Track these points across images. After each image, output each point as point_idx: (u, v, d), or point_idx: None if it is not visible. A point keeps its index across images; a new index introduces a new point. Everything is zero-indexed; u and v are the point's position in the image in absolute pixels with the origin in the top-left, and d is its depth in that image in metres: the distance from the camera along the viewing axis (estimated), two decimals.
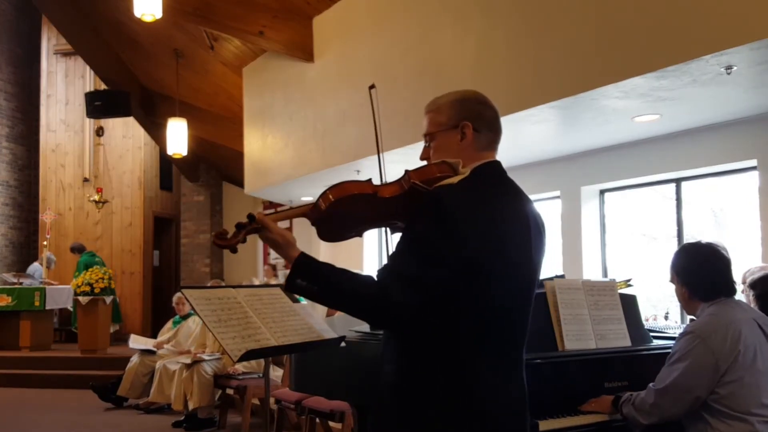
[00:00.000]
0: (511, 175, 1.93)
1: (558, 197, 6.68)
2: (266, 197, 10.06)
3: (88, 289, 9.19)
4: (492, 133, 1.92)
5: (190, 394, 6.27)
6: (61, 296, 10.53)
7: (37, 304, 10.06)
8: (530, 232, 1.85)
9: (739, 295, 2.92)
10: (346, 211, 1.82)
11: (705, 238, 3.80)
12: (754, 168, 5.11)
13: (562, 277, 3.13)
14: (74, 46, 10.02)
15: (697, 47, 3.70)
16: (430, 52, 5.73)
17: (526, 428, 1.88)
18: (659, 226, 6.29)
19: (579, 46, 4.43)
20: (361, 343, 2.95)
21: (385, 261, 1.88)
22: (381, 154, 2.57)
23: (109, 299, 9.55)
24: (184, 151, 9.50)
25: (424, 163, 1.94)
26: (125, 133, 12.59)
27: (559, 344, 2.78)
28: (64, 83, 12.90)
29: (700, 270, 2.63)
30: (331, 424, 5.08)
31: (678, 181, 5.84)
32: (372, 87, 2.55)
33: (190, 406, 6.28)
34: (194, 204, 12.64)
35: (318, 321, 2.95)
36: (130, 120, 11.34)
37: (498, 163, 1.91)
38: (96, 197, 11.94)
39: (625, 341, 2.94)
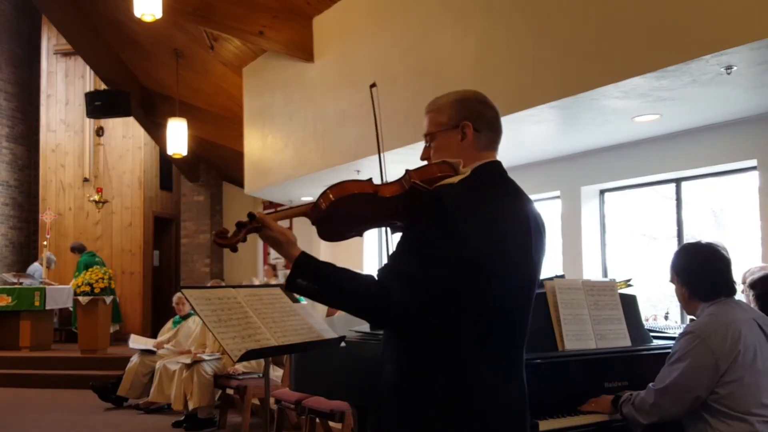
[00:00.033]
0: (511, 175, 1.93)
1: (558, 197, 6.68)
2: (266, 197, 10.06)
3: (88, 289, 9.19)
4: (492, 133, 1.92)
5: (190, 394, 6.27)
6: (61, 296, 10.53)
7: (37, 304, 10.06)
8: (531, 232, 1.85)
9: (739, 295, 2.92)
10: (346, 210, 1.82)
11: (705, 238, 3.80)
12: (754, 168, 5.11)
13: (562, 277, 3.13)
14: (74, 46, 10.02)
15: (697, 47, 3.70)
16: (430, 52, 5.73)
17: (526, 428, 1.88)
18: (659, 226, 6.29)
19: (579, 46, 4.43)
20: (361, 343, 2.95)
21: (385, 261, 1.88)
22: (381, 153, 2.57)
23: (109, 299, 9.55)
24: (184, 151, 9.50)
25: (425, 162, 1.94)
26: (125, 133, 12.59)
27: (559, 344, 2.78)
28: (64, 83, 12.90)
29: (700, 270, 2.63)
30: (331, 424, 5.08)
31: (678, 181, 5.85)
32: (373, 85, 2.55)
33: (190, 406, 6.28)
34: (194, 204, 12.64)
35: (318, 321, 2.95)
36: (130, 120, 11.34)
37: (498, 163, 1.91)
38: (96, 197, 11.94)
39: (625, 341, 2.94)
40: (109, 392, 7.38)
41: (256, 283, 9.46)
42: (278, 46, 7.39)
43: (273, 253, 11.19)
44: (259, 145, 8.57)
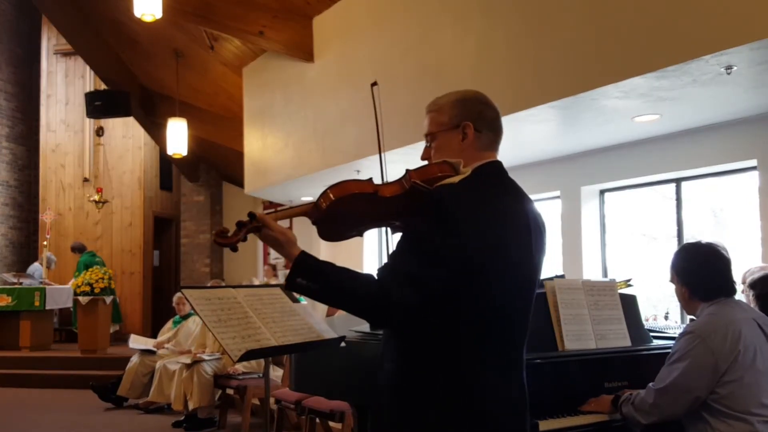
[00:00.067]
0: (511, 175, 1.93)
1: (558, 197, 6.68)
2: (266, 197, 10.07)
3: (88, 289, 9.19)
4: (493, 133, 1.92)
5: (190, 394, 6.27)
6: (61, 296, 10.53)
7: (37, 304, 10.06)
8: (531, 232, 1.85)
9: (739, 295, 2.92)
10: (346, 210, 1.82)
11: (705, 238, 3.80)
12: (754, 168, 5.11)
13: (562, 277, 3.13)
14: (74, 46, 10.02)
15: (697, 47, 3.70)
16: (430, 52, 5.73)
17: (525, 428, 1.88)
18: (659, 226, 6.29)
19: (579, 46, 4.43)
20: (361, 343, 2.95)
21: (385, 260, 1.88)
22: (382, 152, 2.57)
23: (109, 299, 9.55)
24: (184, 151, 9.50)
25: (425, 162, 1.94)
26: (125, 133, 12.59)
27: (559, 344, 2.78)
28: (64, 83, 12.90)
29: (700, 270, 2.63)
30: (331, 424, 5.08)
31: (678, 181, 5.85)
32: (374, 84, 2.55)
33: (190, 406, 6.28)
34: (194, 204, 12.65)
35: (318, 321, 2.95)
36: (130, 120, 11.34)
37: (499, 163, 1.91)
38: (96, 197, 11.94)
39: (625, 341, 2.94)
40: (109, 392, 7.38)
41: (256, 283, 9.46)
42: (278, 46, 7.39)
43: (273, 253, 11.19)
44: (259, 145, 8.58)
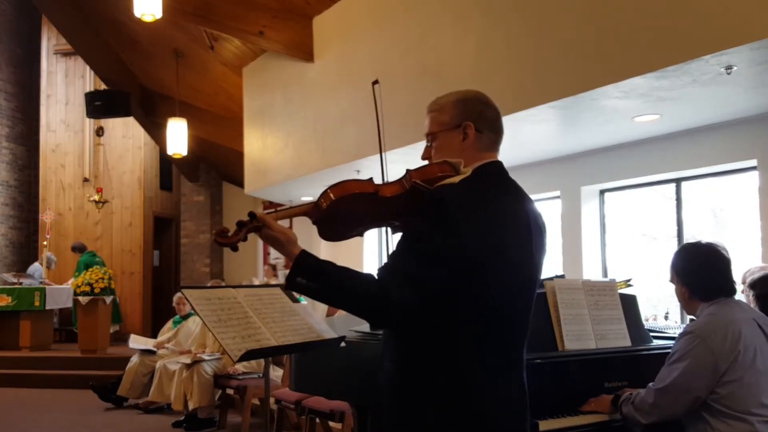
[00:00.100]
0: (511, 175, 1.93)
1: (558, 197, 6.68)
2: (266, 197, 10.07)
3: (88, 289, 9.19)
4: (494, 133, 1.92)
5: (190, 394, 6.27)
6: (61, 296, 10.53)
7: (37, 304, 10.05)
8: (531, 232, 1.85)
9: (739, 295, 2.92)
10: (347, 210, 1.82)
11: (705, 238, 3.80)
12: (754, 168, 5.11)
13: (562, 277, 3.13)
14: (74, 46, 10.02)
15: (697, 47, 3.70)
16: (430, 52, 5.73)
17: (525, 428, 1.88)
18: (659, 226, 6.29)
19: (579, 46, 4.43)
20: (361, 343, 2.95)
21: (385, 260, 1.88)
22: (383, 151, 2.57)
23: (109, 299, 9.54)
24: (184, 151, 9.50)
25: (425, 162, 1.94)
26: (125, 133, 12.59)
27: (559, 344, 2.78)
28: (64, 83, 12.90)
29: (700, 270, 2.63)
30: (331, 424, 5.08)
31: (678, 181, 5.85)
32: (375, 82, 2.54)
33: (190, 406, 6.28)
34: (194, 204, 12.65)
35: (318, 321, 2.95)
36: (130, 120, 11.34)
37: (499, 163, 1.91)
38: (96, 197, 11.94)
39: (625, 341, 2.94)
40: (109, 392, 7.38)
41: (256, 283, 9.47)
42: (278, 46, 7.39)
43: (273, 253, 11.19)
44: (259, 145, 8.58)
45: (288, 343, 2.67)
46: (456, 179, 1.80)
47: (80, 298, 9.25)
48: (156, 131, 10.93)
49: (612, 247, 6.53)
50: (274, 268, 10.17)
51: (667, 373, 2.51)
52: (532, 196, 1.97)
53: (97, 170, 12.64)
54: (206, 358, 6.34)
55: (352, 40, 6.76)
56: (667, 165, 5.66)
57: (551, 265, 5.95)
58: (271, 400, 4.89)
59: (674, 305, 5.38)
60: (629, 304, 3.09)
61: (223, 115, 9.96)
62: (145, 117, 10.89)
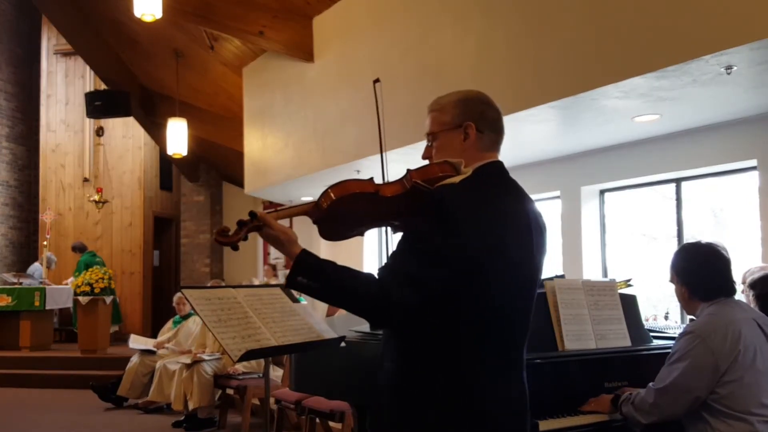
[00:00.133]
0: (511, 175, 1.93)
1: (558, 197, 6.68)
2: (266, 197, 10.07)
3: (88, 289, 9.19)
4: (494, 133, 1.92)
5: (190, 394, 6.27)
6: (61, 296, 10.53)
7: (37, 304, 10.05)
8: (532, 232, 1.85)
9: (739, 295, 2.92)
10: (347, 209, 1.82)
11: (705, 238, 3.80)
12: (754, 168, 5.11)
13: (562, 277, 3.13)
14: (74, 46, 10.02)
15: (697, 47, 3.70)
16: (430, 52, 5.73)
17: (526, 428, 1.88)
18: (659, 226, 6.29)
19: (579, 46, 4.43)
20: (361, 343, 2.95)
21: (385, 260, 1.88)
22: (383, 150, 2.57)
23: (109, 299, 9.54)
24: (184, 151, 9.50)
25: (426, 162, 1.94)
26: (125, 133, 12.59)
27: (559, 344, 2.78)
28: (64, 83, 12.90)
29: (700, 270, 2.63)
30: (331, 424, 5.08)
31: (678, 181, 5.85)
32: (377, 81, 2.54)
33: (190, 406, 6.28)
34: (194, 204, 12.65)
35: (318, 321, 2.95)
36: (130, 120, 11.34)
37: (500, 163, 1.91)
38: (96, 197, 11.94)
39: (625, 341, 2.94)
40: (109, 392, 7.38)
41: (256, 283, 9.46)
42: (278, 46, 7.39)
43: (273, 253, 11.19)
44: (259, 145, 8.58)
45: (288, 343, 2.67)
46: (457, 179, 1.80)
47: (80, 298, 9.25)
48: (156, 131, 10.92)
49: (612, 247, 6.53)
50: (274, 268, 10.17)
51: (667, 373, 2.51)
52: (532, 196, 1.97)
53: (97, 170, 12.64)
54: (206, 358, 6.34)
55: (352, 40, 6.76)
56: (667, 165, 5.66)
57: (551, 265, 5.95)
58: (271, 400, 4.89)
59: (674, 305, 5.38)
60: (629, 304, 3.09)
61: (223, 115, 9.96)
62: (145, 117, 10.89)
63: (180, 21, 7.74)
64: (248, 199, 10.61)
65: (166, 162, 12.51)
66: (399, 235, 1.86)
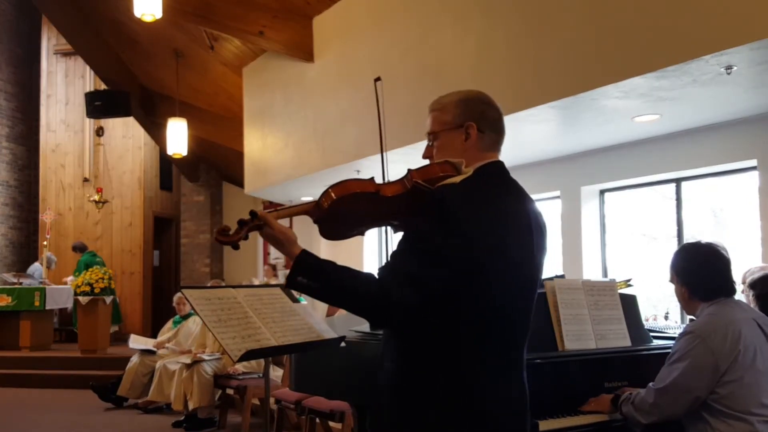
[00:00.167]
0: (511, 175, 1.93)
1: (558, 197, 6.68)
2: (266, 197, 10.07)
3: (88, 289, 9.19)
4: (495, 134, 1.92)
5: (190, 394, 6.27)
6: (61, 296, 10.53)
7: (37, 304, 10.05)
8: (532, 232, 1.85)
9: (739, 295, 2.92)
10: (348, 209, 1.82)
11: (705, 238, 3.80)
12: (754, 168, 5.11)
13: (562, 277, 3.13)
14: (74, 46, 10.02)
15: (697, 47, 3.70)
16: (430, 52, 5.74)
17: (526, 428, 1.88)
18: (659, 226, 6.29)
19: (579, 46, 4.44)
20: (361, 343, 2.95)
21: (385, 260, 1.88)
22: (384, 150, 2.56)
23: (109, 299, 9.54)
24: (184, 151, 9.50)
25: (426, 162, 1.94)
26: (125, 133, 12.59)
27: (559, 344, 2.78)
28: (64, 83, 12.90)
29: (700, 270, 2.63)
30: (331, 424, 5.08)
31: (678, 181, 5.85)
32: (377, 79, 2.54)
33: (190, 406, 6.28)
34: (194, 204, 12.65)
35: (318, 321, 2.95)
36: (130, 120, 11.34)
37: (501, 163, 1.91)
38: (96, 197, 11.94)
39: (625, 341, 2.94)
40: (109, 392, 7.38)
41: (256, 283, 9.46)
42: (278, 46, 7.39)
43: (273, 253, 11.19)
44: (259, 145, 8.58)
45: (288, 343, 2.67)
46: (457, 179, 1.80)
47: (80, 298, 9.25)
48: (156, 131, 10.92)
49: (612, 247, 6.53)
50: (274, 268, 10.17)
51: (667, 373, 2.51)
52: (532, 196, 1.97)
53: (97, 170, 12.64)
54: (206, 358, 6.34)
55: (352, 40, 6.76)
56: (667, 165, 5.66)
57: (551, 265, 5.95)
58: (271, 400, 4.89)
59: (674, 305, 5.38)
60: (629, 304, 3.09)
61: (223, 115, 9.96)
62: (145, 117, 10.89)
63: (180, 21, 7.74)
64: (248, 199, 10.61)
65: (166, 162, 12.51)
66: (399, 235, 1.86)
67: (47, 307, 10.24)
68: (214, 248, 12.41)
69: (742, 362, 2.43)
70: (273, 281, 9.46)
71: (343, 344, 2.80)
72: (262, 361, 4.92)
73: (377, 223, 1.98)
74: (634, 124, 5.21)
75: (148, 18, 6.21)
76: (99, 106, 10.20)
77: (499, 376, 1.79)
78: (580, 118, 5.09)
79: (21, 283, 10.61)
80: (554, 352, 2.74)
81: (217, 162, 12.06)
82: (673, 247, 5.66)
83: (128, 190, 12.58)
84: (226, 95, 9.59)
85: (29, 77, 13.57)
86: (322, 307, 7.86)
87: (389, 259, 1.82)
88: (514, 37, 4.97)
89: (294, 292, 2.88)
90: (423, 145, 1.99)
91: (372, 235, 8.98)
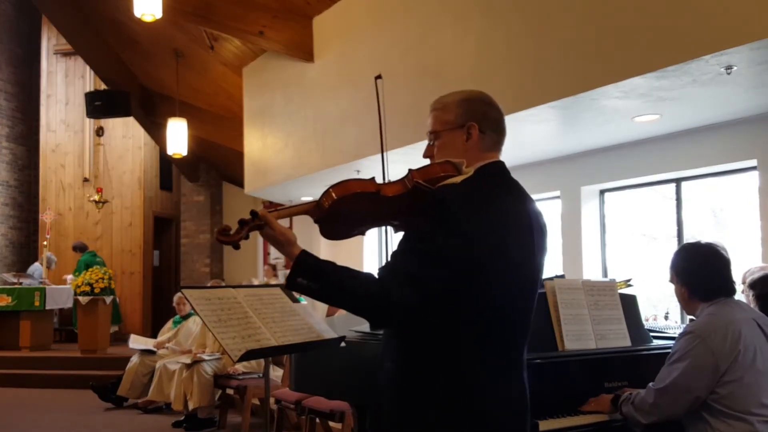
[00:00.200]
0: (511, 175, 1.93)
1: (558, 197, 6.68)
2: (266, 197, 10.07)
3: (88, 289, 9.19)
4: (497, 134, 1.92)
5: (190, 394, 6.27)
6: (61, 296, 10.53)
7: (37, 304, 10.05)
8: (533, 232, 1.85)
9: (739, 295, 2.92)
10: (348, 209, 1.82)
11: (705, 238, 3.80)
12: (754, 168, 5.11)
13: (562, 277, 3.13)
14: (74, 46, 10.02)
15: (697, 47, 3.70)
16: (430, 52, 5.74)
17: (526, 428, 1.88)
18: (659, 226, 6.29)
19: (579, 46, 4.44)
20: (361, 343, 2.95)
21: (385, 260, 1.88)
22: (384, 147, 2.56)
23: (109, 299, 9.54)
24: (184, 151, 9.50)
25: (427, 161, 1.94)
26: (125, 133, 12.60)
27: (559, 344, 2.78)
28: (64, 83, 12.90)
29: (700, 270, 2.63)
30: (331, 424, 5.08)
31: (678, 181, 5.85)
32: (378, 77, 2.54)
33: (190, 406, 6.28)
34: (194, 204, 12.65)
35: (318, 321, 2.95)
36: (130, 120, 11.34)
37: (501, 163, 1.91)
38: (96, 197, 11.94)
39: (625, 341, 2.94)
40: (109, 392, 7.38)
41: (256, 283, 9.47)
42: (278, 46, 7.39)
43: (273, 253, 11.19)
44: (259, 145, 8.58)
45: (288, 343, 2.67)
46: (458, 179, 1.80)
47: (80, 298, 9.25)
48: (156, 131, 10.93)
49: (612, 247, 6.53)
50: (274, 268, 10.17)
51: (667, 373, 2.51)
52: (532, 196, 1.97)
53: (97, 170, 12.64)
54: (206, 358, 6.34)
55: (352, 40, 6.76)
56: (667, 165, 5.66)
57: (551, 265, 5.95)
58: (271, 400, 4.89)
59: (674, 305, 5.38)
60: (629, 304, 3.09)
61: (223, 115, 9.96)
62: (145, 117, 10.89)
63: (180, 21, 7.74)
64: (248, 199, 10.61)
65: (166, 162, 12.51)
66: (400, 235, 1.86)
67: (47, 307, 10.24)
68: (214, 248, 12.41)
69: (742, 362, 2.43)
70: (273, 281, 9.46)
71: (343, 344, 2.80)
72: (262, 361, 4.92)
73: (378, 223, 1.98)
74: (634, 124, 5.21)
75: (148, 18, 6.21)
76: (99, 106, 10.20)
77: (499, 376, 1.79)
78: (580, 118, 5.09)
79: (21, 283, 10.61)
80: (554, 352, 2.74)
81: (217, 162, 12.06)
82: (673, 247, 5.66)
83: (128, 190, 12.58)
84: (226, 95, 9.59)
85: (29, 77, 13.57)
86: (322, 307, 7.86)
87: (389, 259, 1.82)
88: (514, 37, 4.97)
89: (294, 293, 2.88)
90: (423, 145, 1.99)
91: (372, 235, 8.98)
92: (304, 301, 4.34)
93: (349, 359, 2.95)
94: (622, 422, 2.62)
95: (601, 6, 4.33)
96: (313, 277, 1.74)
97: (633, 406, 2.54)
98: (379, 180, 1.90)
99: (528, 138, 5.63)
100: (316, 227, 1.87)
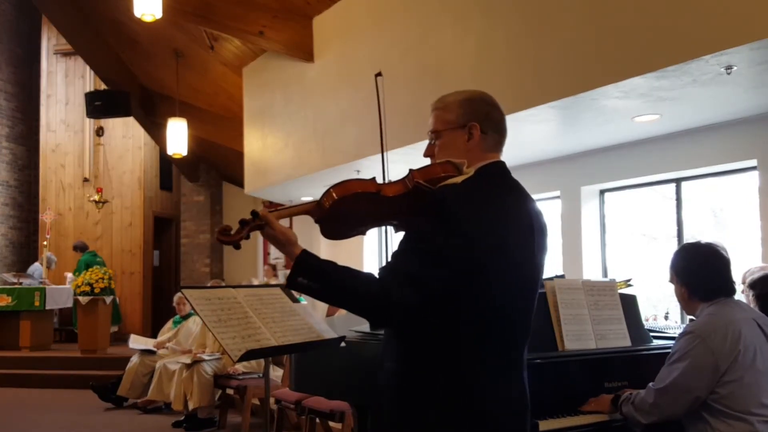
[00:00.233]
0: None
1: (558, 197, 6.68)
2: (266, 197, 10.07)
3: (88, 289, 9.19)
4: (498, 135, 1.92)
5: (190, 394, 6.27)
6: (61, 296, 10.53)
7: (37, 304, 10.05)
8: (533, 232, 1.85)
9: (739, 295, 2.92)
10: (349, 209, 1.82)
11: (705, 238, 3.80)
12: (754, 168, 5.11)
13: (562, 277, 3.13)
14: (74, 46, 10.02)
15: (697, 47, 3.70)
16: (430, 52, 5.74)
17: (526, 428, 1.88)
18: (659, 226, 6.29)
19: (579, 46, 4.44)
20: (361, 343, 2.95)
21: (385, 260, 1.88)
22: (384, 146, 2.56)
23: (109, 299, 9.54)
24: (184, 151, 9.50)
25: (428, 161, 1.94)
26: (125, 133, 12.59)
27: (559, 344, 2.78)
28: (64, 83, 12.90)
29: (700, 270, 2.63)
30: (331, 424, 5.08)
31: (678, 181, 5.85)
32: (378, 74, 2.53)
33: (190, 406, 6.28)
34: (194, 204, 12.65)
35: (318, 321, 2.95)
36: (130, 120, 11.34)
37: (502, 163, 1.91)
38: (96, 197, 11.94)
39: (625, 341, 2.94)
40: (109, 392, 7.38)
41: (256, 283, 9.46)
42: (278, 46, 7.39)
43: (273, 253, 11.20)
44: (259, 145, 8.58)
45: (288, 343, 2.67)
46: (459, 179, 1.80)
47: (80, 298, 9.25)
48: (156, 131, 10.92)
49: (612, 247, 6.53)
50: (274, 268, 10.17)
51: (667, 373, 2.51)
52: (533, 196, 1.97)
53: (97, 170, 12.64)
54: (206, 358, 6.34)
55: (352, 40, 6.76)
56: (667, 165, 5.66)
57: (551, 265, 5.95)
58: (271, 400, 4.89)
59: (674, 305, 5.38)
60: (629, 304, 3.09)
61: (223, 115, 9.96)
62: (145, 117, 10.89)
63: (180, 21, 7.74)
64: (248, 199, 10.61)
65: (166, 162, 12.51)
66: (400, 235, 1.86)
67: (47, 307, 10.24)
68: (214, 248, 12.41)
69: (742, 362, 2.43)
70: (273, 281, 9.46)
71: (343, 344, 2.80)
72: (262, 361, 4.92)
73: (378, 223, 1.98)
74: (634, 124, 5.21)
75: (148, 18, 6.21)
76: (99, 106, 10.20)
77: (499, 376, 1.79)
78: (580, 118, 5.09)
79: (21, 283, 10.61)
80: (554, 352, 2.74)
81: (217, 162, 12.06)
82: (673, 247, 5.66)
83: (128, 190, 12.58)
84: (226, 95, 9.59)
85: (29, 77, 13.57)
86: (322, 307, 7.86)
87: (390, 259, 1.82)
88: (514, 37, 4.97)
89: (294, 292, 2.88)
90: (423, 145, 1.99)
91: (372, 235, 8.98)
92: (304, 300, 4.34)
93: (349, 359, 2.95)
94: (622, 422, 2.62)
95: (601, 6, 4.33)
96: (313, 277, 1.74)
97: (633, 406, 2.54)
98: (379, 180, 1.90)
99: (528, 138, 5.63)
100: (316, 227, 1.87)
